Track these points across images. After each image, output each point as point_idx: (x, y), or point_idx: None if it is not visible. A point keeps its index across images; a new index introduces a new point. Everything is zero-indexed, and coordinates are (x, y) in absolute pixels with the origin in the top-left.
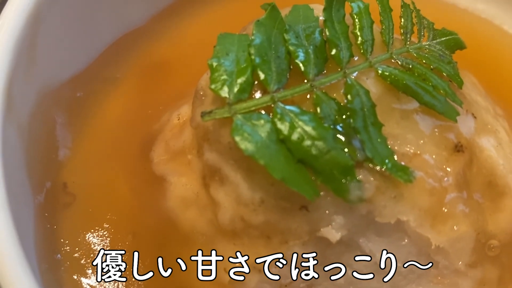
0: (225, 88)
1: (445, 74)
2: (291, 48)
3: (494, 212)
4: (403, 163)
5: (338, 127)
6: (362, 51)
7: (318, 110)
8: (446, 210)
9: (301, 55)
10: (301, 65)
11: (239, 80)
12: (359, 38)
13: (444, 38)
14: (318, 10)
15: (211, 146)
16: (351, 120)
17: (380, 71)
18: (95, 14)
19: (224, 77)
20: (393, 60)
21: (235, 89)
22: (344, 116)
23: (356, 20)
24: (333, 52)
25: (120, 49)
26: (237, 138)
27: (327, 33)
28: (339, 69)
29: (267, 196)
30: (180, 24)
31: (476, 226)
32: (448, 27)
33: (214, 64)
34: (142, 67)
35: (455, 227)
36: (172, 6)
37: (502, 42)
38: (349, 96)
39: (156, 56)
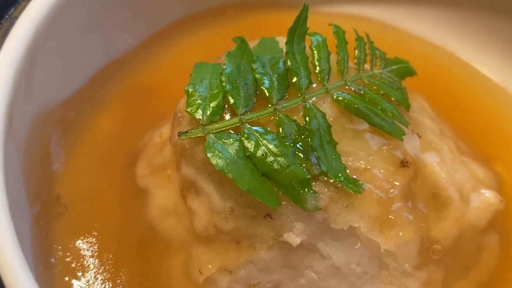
0: (199, 111)
1: (393, 99)
2: (257, 76)
3: (437, 220)
4: (354, 177)
5: (298, 145)
6: (320, 79)
7: (280, 130)
8: (392, 218)
9: (266, 82)
10: (266, 91)
11: (212, 104)
12: (317, 68)
13: (395, 66)
14: (283, 42)
15: (187, 161)
16: (309, 139)
17: (335, 96)
18: (85, 44)
19: (199, 101)
20: (347, 87)
21: (208, 112)
22: (303, 136)
23: (315, 52)
24: (294, 80)
25: (108, 74)
26: (209, 155)
27: (289, 63)
28: (299, 95)
29: (236, 205)
30: (162, 52)
31: (420, 232)
32: (406, 54)
33: (190, 90)
34: (127, 90)
35: (400, 233)
36: (154, 36)
37: (454, 68)
38: (307, 118)
39: (140, 81)
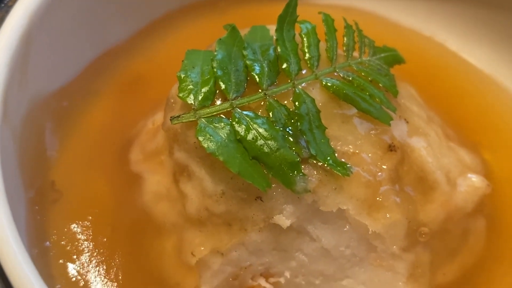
0: (191, 96)
1: (381, 85)
2: (248, 62)
3: (424, 204)
4: (343, 160)
5: (287, 129)
6: (309, 65)
7: (270, 114)
8: (380, 200)
9: (257, 68)
10: (256, 77)
11: (203, 90)
12: (307, 54)
13: (383, 54)
14: (274, 30)
15: (180, 146)
16: (299, 124)
17: (324, 82)
18: (79, 34)
19: (191, 86)
20: (336, 73)
21: (200, 97)
22: (292, 120)
23: (305, 39)
24: (284, 66)
25: (102, 64)
26: (201, 138)
27: (279, 50)
28: (289, 81)
29: (227, 188)
30: (155, 42)
31: (408, 214)
32: (395, 45)
33: (182, 75)
34: (121, 80)
35: (388, 215)
36: (148, 27)
37: (443, 58)
38: (297, 103)
39: (133, 70)
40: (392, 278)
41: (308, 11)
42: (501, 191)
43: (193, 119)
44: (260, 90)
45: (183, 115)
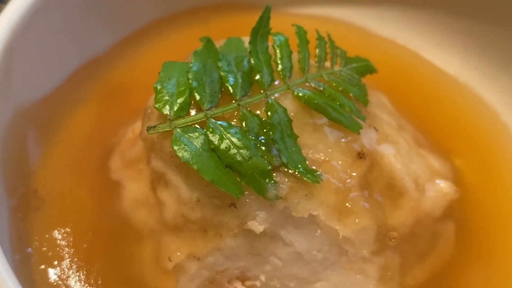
0: (167, 107)
1: (351, 95)
2: (222, 74)
3: (393, 209)
4: (313, 168)
5: (260, 139)
6: (282, 76)
7: (244, 124)
8: (349, 206)
9: (231, 79)
10: (230, 88)
11: (179, 100)
12: (279, 66)
13: (355, 64)
14: (246, 41)
15: (156, 155)
16: (271, 133)
17: (296, 93)
18: (62, 44)
19: (166, 97)
20: (307, 84)
21: (175, 108)
22: (265, 130)
23: (277, 51)
24: (257, 77)
25: (84, 73)
26: (176, 147)
27: (252, 62)
28: (262, 91)
29: (202, 195)
30: (137, 52)
31: (377, 219)
32: (369, 53)
33: (158, 87)
34: (103, 89)
35: (357, 220)
36: (130, 37)
37: (417, 66)
38: (269, 113)
39: (115, 80)
40: (363, 280)
41: (285, 21)
42: (471, 196)
43: (169, 129)
44: (233, 101)
45: (159, 125)
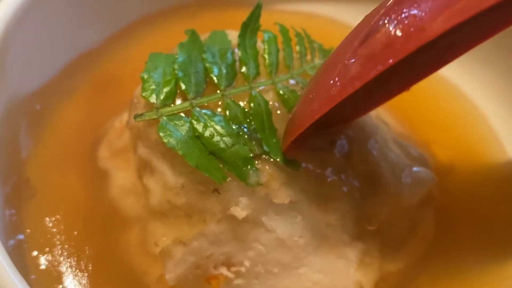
0: (154, 96)
1: None
2: (207, 65)
3: (371, 196)
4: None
5: (242, 127)
6: (268, 71)
7: (227, 113)
8: (329, 192)
9: (215, 70)
10: (214, 78)
11: (165, 90)
12: (267, 60)
13: None
14: (232, 35)
15: (143, 143)
16: (253, 123)
17: (278, 90)
18: (55, 38)
19: (153, 87)
20: (291, 81)
21: (162, 97)
22: (248, 120)
23: (266, 46)
24: (243, 69)
25: (76, 66)
26: (162, 134)
27: (240, 54)
28: (246, 84)
29: (187, 181)
30: (128, 46)
31: (356, 204)
32: None
33: (145, 76)
34: (93, 80)
35: (336, 206)
36: (121, 31)
37: None
38: (252, 104)
39: (106, 72)
40: (345, 265)
41: (271, 18)
42: (450, 183)
43: (155, 117)
44: (218, 91)
45: (145, 113)
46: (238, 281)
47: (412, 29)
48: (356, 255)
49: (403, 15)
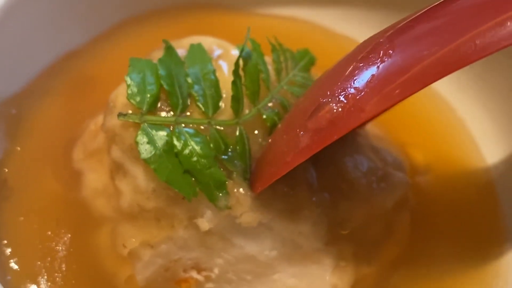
0: (139, 100)
1: None
2: (193, 92)
3: (344, 200)
4: None
5: (223, 157)
6: (250, 101)
7: (208, 138)
8: (299, 204)
9: (201, 98)
10: (201, 106)
11: (149, 95)
12: (248, 91)
13: (302, 63)
14: (209, 43)
15: (117, 146)
16: (237, 147)
17: (264, 116)
18: (34, 41)
19: (136, 91)
20: (272, 102)
21: (146, 102)
22: (229, 153)
23: (247, 75)
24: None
25: (54, 68)
26: (139, 141)
27: (232, 92)
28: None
29: (158, 186)
30: (108, 48)
31: (327, 212)
32: (333, 52)
33: (129, 80)
34: (70, 83)
35: (308, 215)
36: (100, 34)
37: None
38: (238, 147)
39: (84, 73)
40: (320, 269)
41: (252, 21)
42: (427, 187)
43: (138, 122)
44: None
45: (130, 115)
46: (209, 285)
47: (352, 109)
48: (330, 259)
49: (345, 93)
